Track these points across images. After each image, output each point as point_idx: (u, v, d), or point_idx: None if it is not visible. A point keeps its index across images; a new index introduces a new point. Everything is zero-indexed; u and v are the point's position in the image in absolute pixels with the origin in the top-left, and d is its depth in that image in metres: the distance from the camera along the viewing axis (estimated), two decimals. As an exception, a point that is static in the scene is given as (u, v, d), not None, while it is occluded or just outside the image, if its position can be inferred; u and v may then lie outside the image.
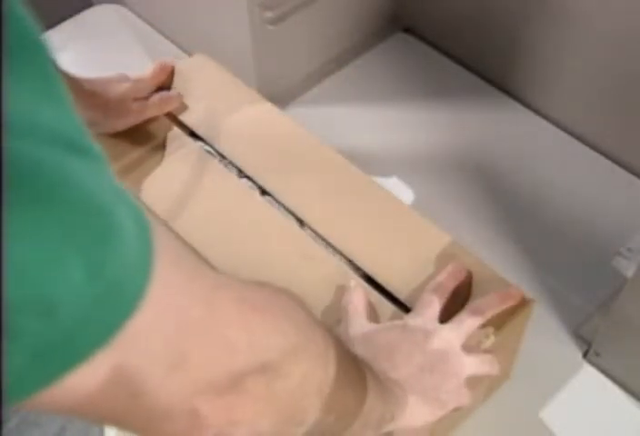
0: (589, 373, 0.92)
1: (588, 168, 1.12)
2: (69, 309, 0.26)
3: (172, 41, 1.29)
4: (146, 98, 0.88)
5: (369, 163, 1.00)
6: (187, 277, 0.34)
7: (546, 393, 0.91)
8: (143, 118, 0.88)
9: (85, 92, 0.80)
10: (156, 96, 0.89)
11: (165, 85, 0.92)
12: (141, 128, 0.89)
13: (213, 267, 0.79)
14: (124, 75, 0.88)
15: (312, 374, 0.43)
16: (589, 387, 0.92)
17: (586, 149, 1.13)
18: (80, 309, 0.26)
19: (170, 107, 0.90)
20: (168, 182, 0.86)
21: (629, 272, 0.77)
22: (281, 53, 1.16)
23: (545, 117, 1.17)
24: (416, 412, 0.62)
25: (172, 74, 0.93)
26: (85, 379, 0.29)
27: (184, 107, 0.91)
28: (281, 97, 1.14)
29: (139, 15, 1.33)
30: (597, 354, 0.91)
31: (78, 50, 1.24)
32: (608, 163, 1.12)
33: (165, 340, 0.32)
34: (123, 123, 0.86)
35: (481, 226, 1.05)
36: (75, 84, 0.79)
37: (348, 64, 1.25)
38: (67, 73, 0.77)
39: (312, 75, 1.23)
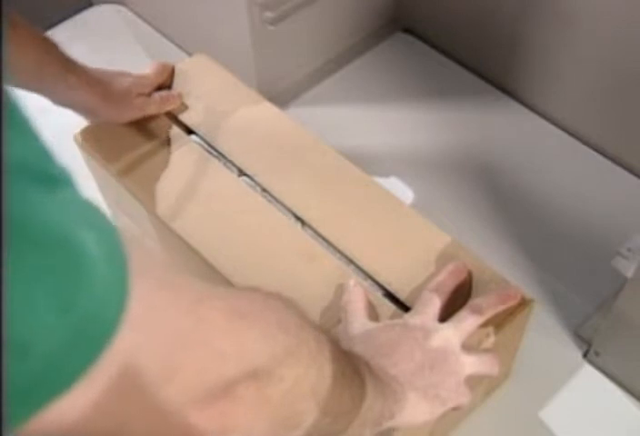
0: (589, 373, 0.92)
1: (588, 168, 1.12)
2: (43, 349, 0.26)
3: (172, 41, 1.29)
4: (148, 95, 0.88)
5: (369, 163, 1.00)
6: (173, 294, 0.34)
7: (546, 393, 0.91)
8: (142, 114, 0.88)
9: (90, 79, 0.80)
10: (157, 95, 0.89)
11: (165, 85, 0.92)
12: (141, 127, 0.89)
13: (212, 267, 0.79)
14: (127, 73, 0.88)
15: (305, 377, 0.43)
16: (589, 387, 0.91)
17: (586, 149, 1.13)
18: (54, 347, 0.26)
19: (170, 106, 0.90)
20: (168, 181, 0.85)
21: (629, 272, 0.77)
22: (281, 53, 1.16)
23: (545, 117, 1.17)
24: (416, 410, 0.61)
25: (172, 73, 0.93)
26: (74, 403, 0.29)
27: (184, 107, 0.91)
28: (281, 97, 1.14)
29: (139, 15, 1.34)
30: (597, 354, 0.91)
31: (78, 50, 1.24)
32: (608, 163, 1.12)
33: (155, 357, 0.32)
34: (123, 117, 0.86)
35: (481, 226, 1.05)
36: (81, 70, 0.79)
37: (348, 64, 1.25)
38: (74, 60, 0.78)
39: (312, 75, 1.23)
